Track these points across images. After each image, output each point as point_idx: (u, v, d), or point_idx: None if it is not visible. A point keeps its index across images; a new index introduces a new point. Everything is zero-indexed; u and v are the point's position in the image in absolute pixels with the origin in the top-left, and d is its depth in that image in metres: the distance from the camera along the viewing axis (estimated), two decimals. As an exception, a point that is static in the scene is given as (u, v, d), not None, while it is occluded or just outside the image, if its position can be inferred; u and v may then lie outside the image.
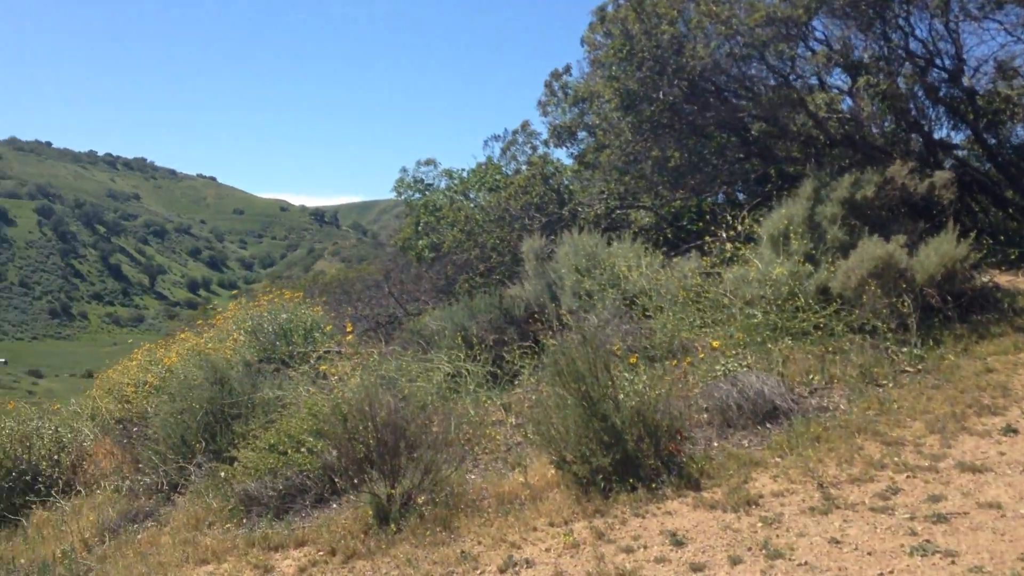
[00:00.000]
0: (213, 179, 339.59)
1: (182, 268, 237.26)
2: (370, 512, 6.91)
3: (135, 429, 9.58)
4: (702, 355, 8.46)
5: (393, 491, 6.95)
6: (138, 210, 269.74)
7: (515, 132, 15.93)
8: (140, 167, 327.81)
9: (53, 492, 8.64)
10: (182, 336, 14.49)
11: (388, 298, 16.27)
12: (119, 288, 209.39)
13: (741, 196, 14.36)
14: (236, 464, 8.04)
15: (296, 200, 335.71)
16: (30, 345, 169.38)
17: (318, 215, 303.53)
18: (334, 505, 7.49)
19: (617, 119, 11.96)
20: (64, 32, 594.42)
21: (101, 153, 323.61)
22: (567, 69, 13.16)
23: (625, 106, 11.75)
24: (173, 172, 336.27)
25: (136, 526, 7.88)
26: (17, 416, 9.63)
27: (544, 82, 13.35)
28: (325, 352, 11.52)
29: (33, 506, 8.58)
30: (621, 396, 7.14)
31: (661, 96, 11.73)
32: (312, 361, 11.12)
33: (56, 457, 9.34)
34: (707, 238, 10.86)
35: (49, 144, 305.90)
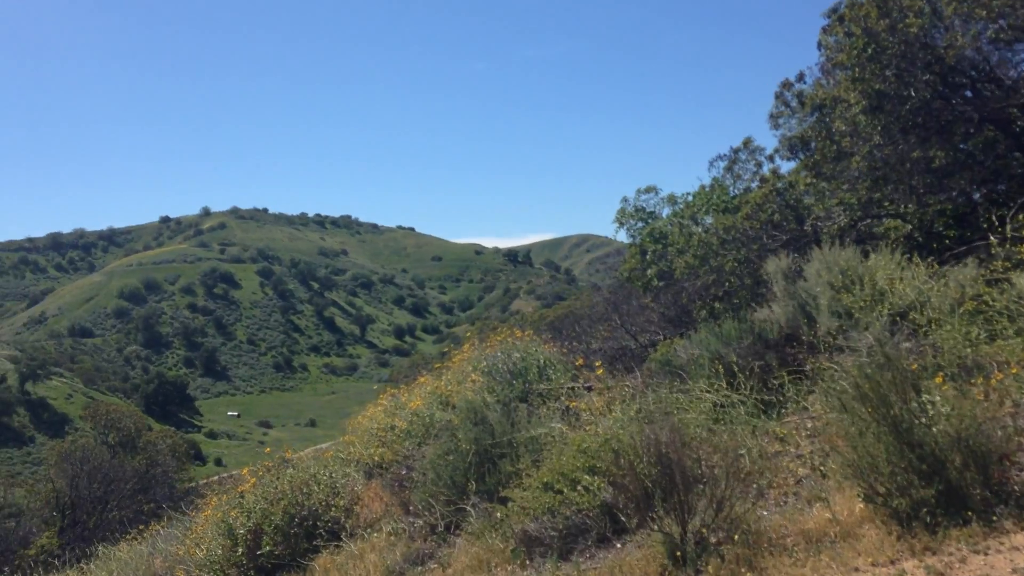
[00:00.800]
0: (412, 229, 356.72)
1: (388, 316, 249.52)
2: (663, 552, 6.57)
3: (403, 472, 9.76)
4: (1015, 371, 7.53)
5: (686, 530, 6.60)
6: (346, 264, 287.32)
7: (736, 150, 15.36)
8: (346, 224, 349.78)
9: (343, 537, 8.89)
10: (422, 380, 14.86)
11: (618, 330, 16.00)
12: (334, 339, 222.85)
13: (999, 195, 13.05)
14: (511, 504, 7.96)
15: (489, 242, 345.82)
16: (259, 398, 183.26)
17: (511, 255, 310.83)
18: (618, 545, 7.21)
19: (865, 123, 11.17)
20: (271, 106, 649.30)
21: (311, 214, 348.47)
22: (800, 77, 12.51)
23: (873, 108, 10.96)
24: (375, 226, 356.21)
25: (420, 568, 7.95)
26: (297, 464, 10.08)
27: (774, 93, 12.76)
28: (572, 387, 11.40)
29: (321, 550, 8.86)
30: (924, 419, 6.45)
31: (913, 94, 10.85)
32: (561, 397, 11.02)
33: (331, 502, 9.65)
34: (992, 240, 9.80)
35: (266, 210, 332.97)
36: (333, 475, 10.09)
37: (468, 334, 16.29)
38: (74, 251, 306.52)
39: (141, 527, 15.90)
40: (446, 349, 17.46)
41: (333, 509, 9.55)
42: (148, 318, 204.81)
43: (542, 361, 12.74)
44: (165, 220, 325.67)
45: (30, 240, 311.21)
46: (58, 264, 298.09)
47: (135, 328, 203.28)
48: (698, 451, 7.66)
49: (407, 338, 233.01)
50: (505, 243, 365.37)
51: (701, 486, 6.93)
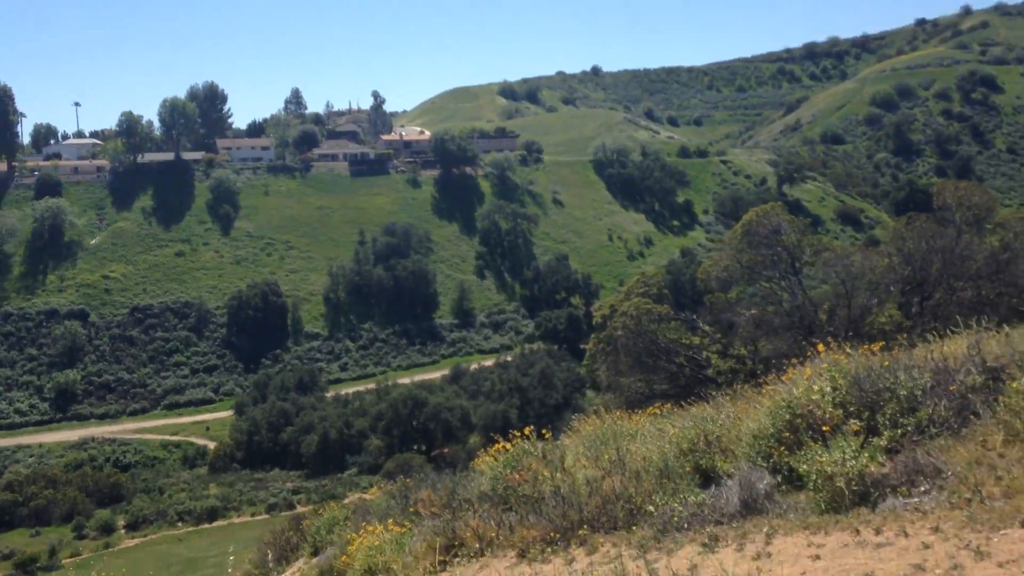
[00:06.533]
0: None
1: None
2: None
3: None
4: None
5: None
6: None
7: None
8: None
9: None
10: None
11: None
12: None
13: None
14: None
15: None
16: None
17: None
18: None
19: None
20: None
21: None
22: None
23: None
24: None
25: None
26: None
27: None
28: None
29: None
30: None
31: None
32: None
33: None
34: None
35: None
36: None
37: None
38: (827, 60, 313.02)
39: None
40: None
41: None
42: (899, 125, 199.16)
43: None
44: (920, 23, 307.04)
45: (787, 51, 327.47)
46: (812, 73, 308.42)
47: (885, 135, 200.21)
48: None
49: None
50: None
51: None
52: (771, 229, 27.02)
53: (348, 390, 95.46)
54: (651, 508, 9.01)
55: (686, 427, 11.19)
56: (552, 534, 9.43)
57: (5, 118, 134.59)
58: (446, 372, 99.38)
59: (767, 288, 28.01)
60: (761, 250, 27.53)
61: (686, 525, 8.42)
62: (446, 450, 77.68)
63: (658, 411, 15.76)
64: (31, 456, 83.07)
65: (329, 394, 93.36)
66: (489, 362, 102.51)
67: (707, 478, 9.96)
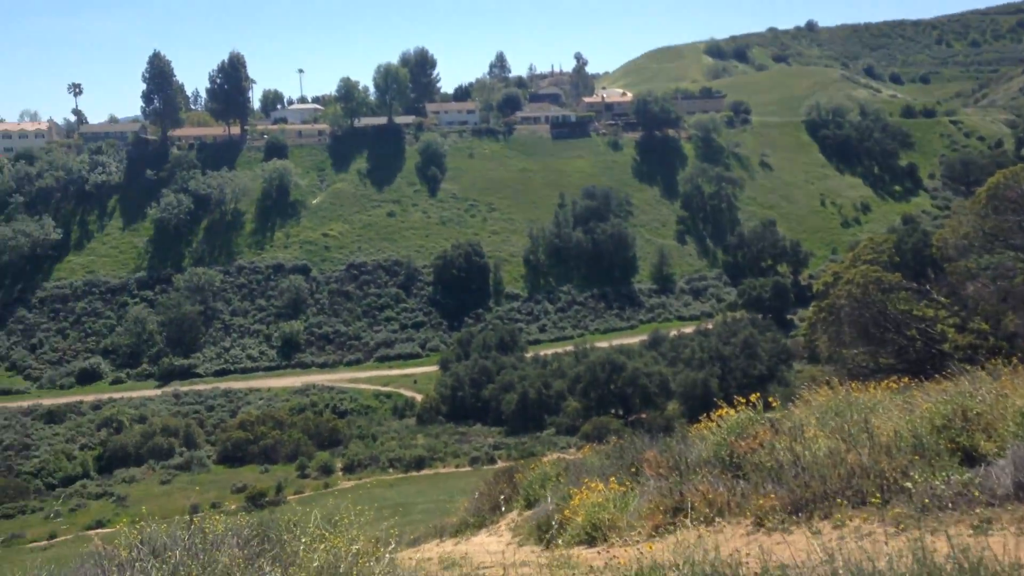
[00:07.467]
0: None
1: None
2: None
3: None
4: None
5: None
6: None
7: None
8: None
9: None
10: None
11: None
12: None
13: None
14: None
15: None
16: None
17: None
18: None
19: None
20: None
21: None
22: None
23: None
24: None
25: None
26: None
27: None
28: None
29: None
30: None
31: None
32: None
33: None
34: None
35: None
36: None
37: None
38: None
39: None
40: None
41: None
42: None
43: None
44: None
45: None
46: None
47: None
48: None
49: None
50: None
51: None
52: (1020, 193, 24.44)
53: (546, 351, 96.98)
54: (908, 485, 8.41)
55: (940, 402, 10.36)
56: (791, 505, 9.04)
57: (238, 84, 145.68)
58: (644, 337, 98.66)
59: (1012, 258, 25.43)
60: (1008, 216, 24.99)
61: (950, 505, 7.80)
62: (644, 416, 77.36)
63: (895, 385, 14.75)
64: (261, 399, 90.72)
65: (528, 354, 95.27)
66: (688, 329, 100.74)
67: (966, 457, 9.17)
